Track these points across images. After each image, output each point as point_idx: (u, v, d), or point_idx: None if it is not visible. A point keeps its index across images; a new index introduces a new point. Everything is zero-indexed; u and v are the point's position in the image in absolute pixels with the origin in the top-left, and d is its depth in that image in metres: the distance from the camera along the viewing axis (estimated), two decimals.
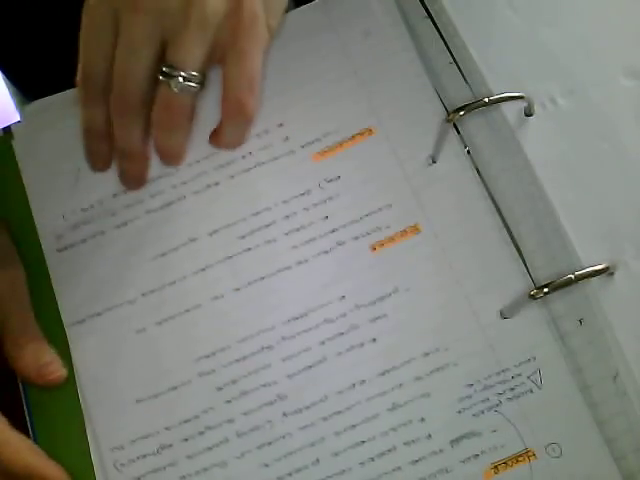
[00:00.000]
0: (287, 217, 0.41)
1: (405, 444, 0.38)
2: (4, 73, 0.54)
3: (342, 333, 0.40)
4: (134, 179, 0.41)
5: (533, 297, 0.38)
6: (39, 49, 0.51)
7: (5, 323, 0.39)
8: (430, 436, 0.38)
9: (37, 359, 0.39)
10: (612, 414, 0.37)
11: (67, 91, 0.43)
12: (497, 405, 0.38)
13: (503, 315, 0.39)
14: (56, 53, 0.47)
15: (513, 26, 0.42)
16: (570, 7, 0.42)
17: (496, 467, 0.38)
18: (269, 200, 0.41)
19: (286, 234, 0.41)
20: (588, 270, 0.38)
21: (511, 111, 0.41)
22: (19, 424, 0.39)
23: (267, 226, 0.41)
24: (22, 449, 0.37)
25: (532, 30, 0.42)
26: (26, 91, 0.51)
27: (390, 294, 0.40)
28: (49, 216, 0.43)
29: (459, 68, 0.42)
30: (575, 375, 0.38)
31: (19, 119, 0.45)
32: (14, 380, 0.40)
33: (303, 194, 0.42)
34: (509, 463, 0.38)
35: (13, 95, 0.57)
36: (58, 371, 0.39)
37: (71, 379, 0.40)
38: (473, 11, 0.43)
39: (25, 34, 0.51)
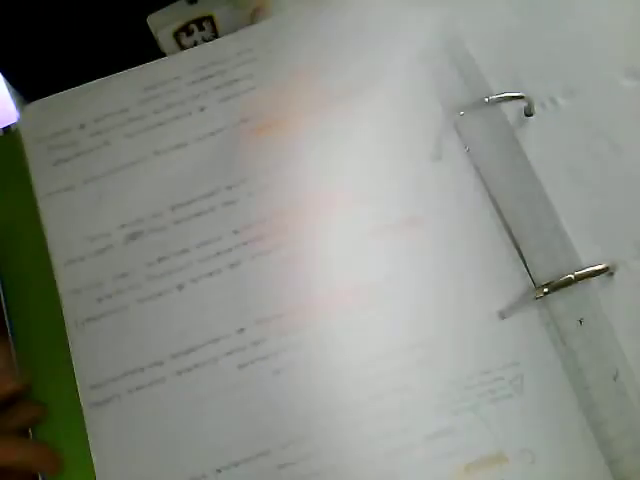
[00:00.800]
0: None
1: (379, 435, 0.38)
2: (4, 73, 0.54)
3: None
4: None
5: (533, 297, 0.38)
6: (39, 49, 0.51)
7: None
8: (405, 430, 0.38)
9: None
10: (612, 414, 0.37)
11: (67, 91, 0.43)
12: (475, 406, 0.38)
13: (502, 315, 0.39)
14: (56, 53, 0.47)
15: (513, 26, 0.42)
16: (570, 7, 0.43)
17: (468, 467, 0.37)
18: None
19: None
20: (588, 270, 0.38)
21: (511, 111, 0.41)
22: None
23: None
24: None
25: (532, 30, 0.42)
26: (26, 91, 0.51)
27: (382, 284, 0.40)
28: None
29: (459, 67, 0.42)
30: (575, 375, 0.38)
31: (19, 119, 0.45)
32: None
33: None
34: (481, 465, 0.37)
35: (13, 95, 0.57)
36: (8, 384, 0.37)
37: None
38: None
39: (25, 34, 0.51)
